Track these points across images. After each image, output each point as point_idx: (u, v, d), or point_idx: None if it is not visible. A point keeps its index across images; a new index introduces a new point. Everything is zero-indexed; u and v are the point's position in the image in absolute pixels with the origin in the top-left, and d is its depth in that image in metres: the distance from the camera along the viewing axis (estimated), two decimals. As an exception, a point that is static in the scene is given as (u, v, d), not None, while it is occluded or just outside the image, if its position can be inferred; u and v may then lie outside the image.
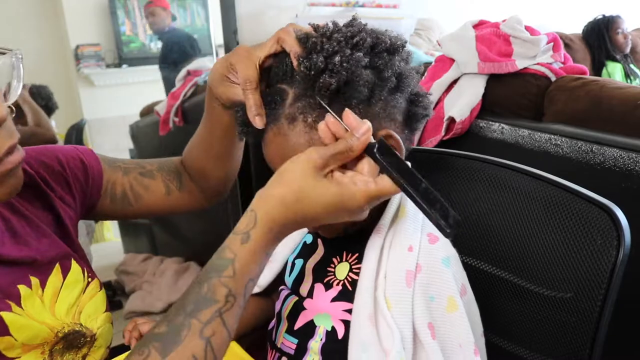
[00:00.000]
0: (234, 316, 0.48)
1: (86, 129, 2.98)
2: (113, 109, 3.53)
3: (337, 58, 0.53)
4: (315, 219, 0.50)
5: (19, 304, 0.57)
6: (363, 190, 0.49)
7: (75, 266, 0.66)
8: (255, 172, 1.55)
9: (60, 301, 0.62)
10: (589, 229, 0.61)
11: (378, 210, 0.61)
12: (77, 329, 0.62)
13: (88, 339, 0.63)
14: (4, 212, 0.60)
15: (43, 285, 0.61)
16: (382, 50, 0.57)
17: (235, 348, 0.73)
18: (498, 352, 0.69)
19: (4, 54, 0.53)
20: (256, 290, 0.73)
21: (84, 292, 0.66)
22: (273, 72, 0.60)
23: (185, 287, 2.08)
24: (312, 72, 0.54)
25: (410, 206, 0.61)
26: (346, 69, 0.54)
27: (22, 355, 0.56)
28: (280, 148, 0.57)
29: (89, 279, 0.67)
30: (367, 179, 0.50)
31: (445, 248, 0.60)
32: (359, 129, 0.51)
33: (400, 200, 0.62)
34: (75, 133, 2.70)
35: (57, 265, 0.63)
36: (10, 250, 0.58)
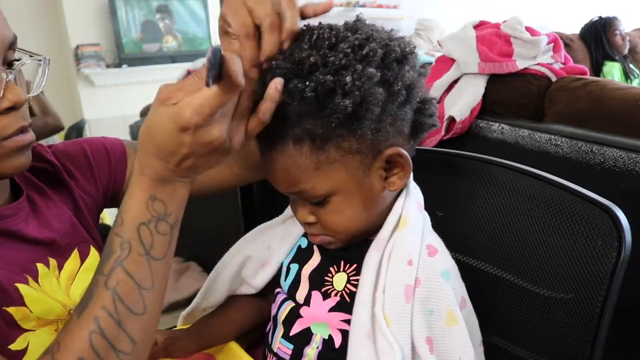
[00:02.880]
0: (137, 264, 0.48)
1: (86, 128, 2.98)
2: (113, 109, 3.53)
3: (348, 77, 0.49)
4: (160, 145, 0.47)
5: (36, 280, 0.60)
6: (186, 102, 0.45)
7: (94, 252, 0.69)
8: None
9: (76, 284, 0.65)
10: (590, 229, 0.61)
11: (378, 221, 0.60)
12: None
13: None
14: (32, 194, 0.65)
15: (60, 267, 0.64)
16: (392, 60, 0.52)
17: (235, 348, 0.73)
18: (498, 353, 0.69)
19: (38, 60, 0.61)
20: (251, 291, 0.72)
21: None
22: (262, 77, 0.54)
23: (185, 287, 2.07)
24: (319, 93, 0.49)
25: (411, 217, 0.60)
26: (359, 88, 0.49)
27: (37, 329, 0.59)
28: (285, 169, 0.54)
29: None
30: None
31: (444, 260, 0.59)
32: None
33: (401, 210, 0.60)
34: (75, 133, 2.70)
35: (76, 250, 0.67)
36: (33, 230, 0.62)
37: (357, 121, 0.51)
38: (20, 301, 0.57)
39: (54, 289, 0.62)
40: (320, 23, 0.55)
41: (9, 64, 0.56)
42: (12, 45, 0.56)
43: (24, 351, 0.57)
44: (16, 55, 0.58)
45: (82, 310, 0.47)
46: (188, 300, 0.75)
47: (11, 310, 0.56)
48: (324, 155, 0.53)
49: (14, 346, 0.56)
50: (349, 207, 0.57)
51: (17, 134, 0.56)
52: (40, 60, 0.61)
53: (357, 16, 0.56)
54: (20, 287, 0.57)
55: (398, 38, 0.56)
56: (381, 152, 0.55)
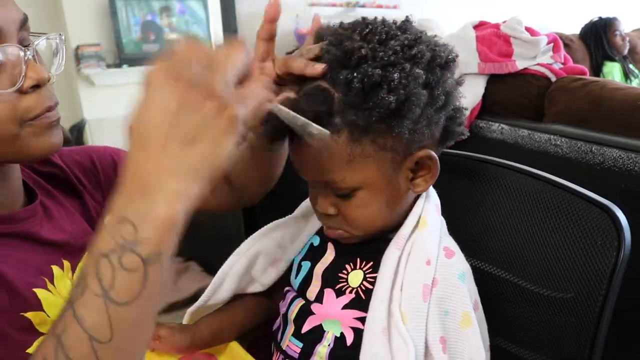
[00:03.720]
0: (91, 308, 0.38)
1: (86, 129, 2.98)
2: (113, 109, 3.51)
3: (395, 74, 0.49)
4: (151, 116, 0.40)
5: (52, 282, 0.60)
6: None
7: None
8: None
9: None
10: (589, 229, 0.61)
11: (396, 221, 0.60)
12: None
13: None
14: (44, 199, 0.64)
15: (73, 269, 0.64)
16: (437, 65, 0.53)
17: (235, 348, 0.73)
18: (498, 353, 0.69)
19: (51, 38, 0.60)
20: (259, 288, 0.72)
21: None
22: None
23: (185, 287, 2.07)
24: (365, 86, 0.49)
25: (430, 218, 0.60)
26: (404, 86, 0.50)
27: None
28: (317, 157, 0.54)
29: None
30: None
31: (460, 263, 0.60)
32: None
33: (421, 212, 0.61)
34: (76, 133, 2.70)
35: (87, 253, 0.66)
36: (48, 232, 0.61)
37: (398, 119, 0.52)
38: (38, 306, 0.56)
39: (69, 290, 0.61)
40: (375, 17, 0.56)
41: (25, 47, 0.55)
42: (24, 25, 0.55)
43: None
44: (31, 39, 0.57)
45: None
46: (188, 300, 0.75)
47: (29, 315, 0.55)
48: (359, 148, 0.53)
49: (32, 349, 0.55)
50: (373, 203, 0.58)
51: (46, 113, 0.55)
52: (55, 39, 0.60)
53: (407, 17, 0.57)
54: (38, 292, 0.57)
55: (442, 44, 0.56)
56: (412, 153, 0.56)
